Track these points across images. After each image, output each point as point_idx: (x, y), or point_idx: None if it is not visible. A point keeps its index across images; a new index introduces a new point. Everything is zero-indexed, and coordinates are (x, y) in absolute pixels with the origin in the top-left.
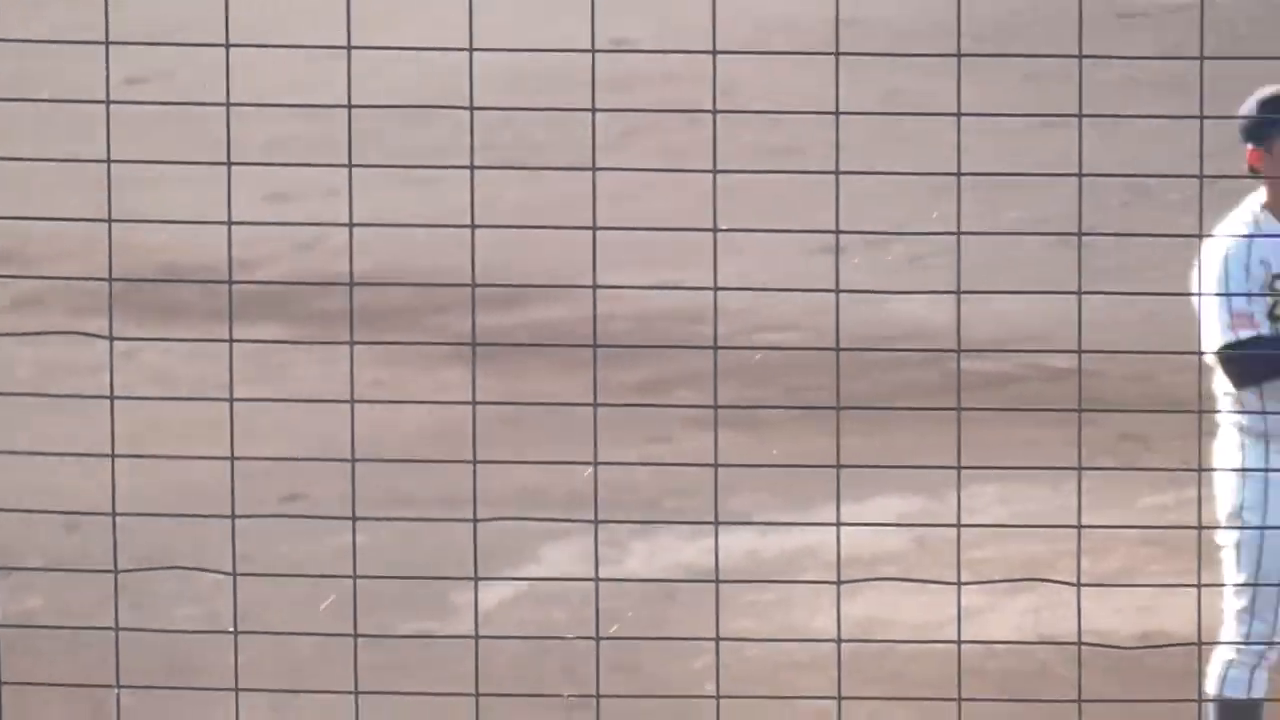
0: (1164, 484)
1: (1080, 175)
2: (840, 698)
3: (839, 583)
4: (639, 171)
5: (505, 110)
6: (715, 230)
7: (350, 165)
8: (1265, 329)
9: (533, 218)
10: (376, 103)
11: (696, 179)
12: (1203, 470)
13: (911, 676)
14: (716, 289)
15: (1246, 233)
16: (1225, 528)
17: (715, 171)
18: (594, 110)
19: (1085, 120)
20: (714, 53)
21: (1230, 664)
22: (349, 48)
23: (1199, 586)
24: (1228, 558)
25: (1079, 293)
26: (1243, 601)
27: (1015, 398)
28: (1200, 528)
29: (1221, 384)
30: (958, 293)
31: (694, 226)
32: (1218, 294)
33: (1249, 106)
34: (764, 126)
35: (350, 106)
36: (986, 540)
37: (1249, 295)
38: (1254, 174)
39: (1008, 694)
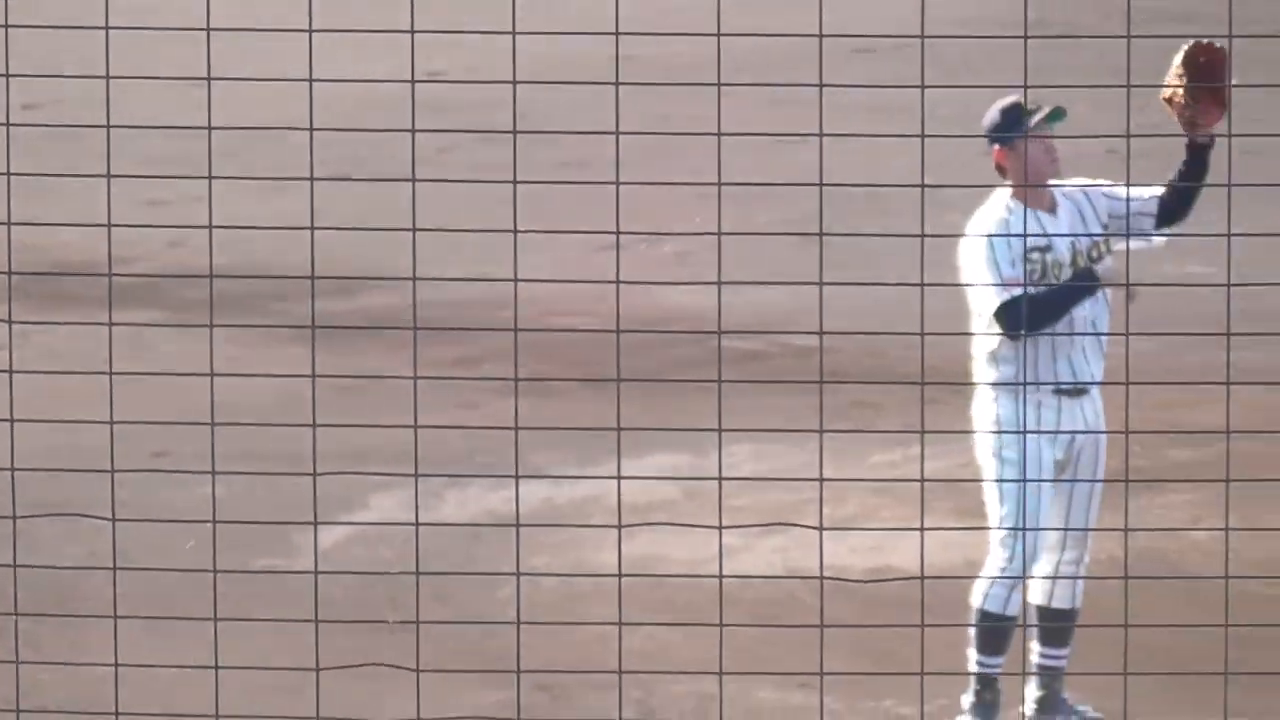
0: (892, 444)
1: (821, 185)
2: (621, 624)
3: (620, 526)
4: (451, 182)
5: (339, 131)
6: (515, 231)
7: (210, 177)
8: (1030, 290)
9: (362, 220)
10: (232, 125)
11: (500, 189)
12: (925, 432)
13: (681, 605)
14: (517, 280)
15: (1002, 216)
16: (987, 481)
17: (515, 182)
18: (413, 131)
19: (825, 138)
20: (514, 83)
21: (994, 582)
22: (209, 79)
23: (921, 530)
24: (991, 497)
25: (820, 283)
26: (1005, 530)
27: (767, 371)
28: (923, 480)
29: (980, 347)
30: (719, 283)
31: (498, 228)
32: (984, 284)
33: (992, 114)
34: (556, 145)
35: (210, 128)
36: (743, 491)
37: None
38: (1000, 171)
39: (762, 620)
